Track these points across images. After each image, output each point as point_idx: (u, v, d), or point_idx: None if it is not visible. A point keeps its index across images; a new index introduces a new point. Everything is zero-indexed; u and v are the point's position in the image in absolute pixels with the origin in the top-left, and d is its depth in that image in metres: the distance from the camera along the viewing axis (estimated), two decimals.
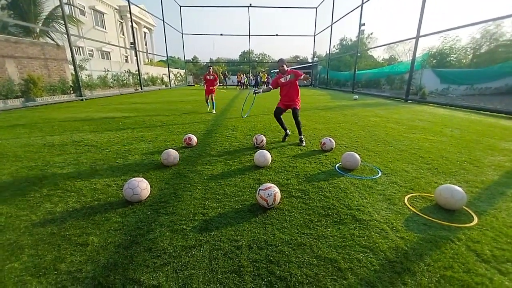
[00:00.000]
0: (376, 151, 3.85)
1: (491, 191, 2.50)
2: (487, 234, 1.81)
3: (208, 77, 7.92)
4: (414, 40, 11.39)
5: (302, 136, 4.27)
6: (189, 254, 1.59)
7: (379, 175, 2.90)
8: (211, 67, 8.02)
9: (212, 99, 7.95)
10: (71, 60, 11.48)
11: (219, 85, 11.43)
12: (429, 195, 2.40)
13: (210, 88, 7.90)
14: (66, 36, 11.06)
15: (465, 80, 15.13)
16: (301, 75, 4.06)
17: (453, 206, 2.11)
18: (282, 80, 4.21)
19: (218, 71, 41.10)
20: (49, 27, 13.38)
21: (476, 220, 1.98)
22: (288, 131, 4.53)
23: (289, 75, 4.15)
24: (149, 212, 2.09)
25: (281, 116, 4.31)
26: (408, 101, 11.92)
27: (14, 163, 3.29)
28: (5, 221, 1.97)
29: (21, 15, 12.66)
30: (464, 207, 2.15)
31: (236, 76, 28.98)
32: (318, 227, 1.89)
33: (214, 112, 7.91)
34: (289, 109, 4.29)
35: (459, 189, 2.13)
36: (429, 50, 19.04)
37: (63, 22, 11.29)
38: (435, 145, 4.14)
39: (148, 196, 2.34)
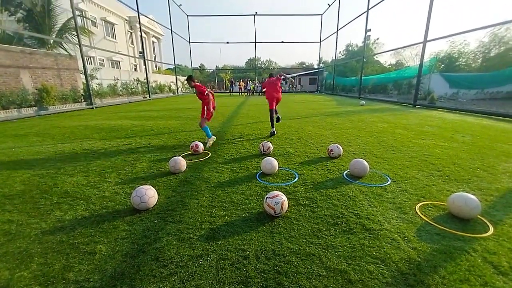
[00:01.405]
0: (385, 157, 3.78)
1: (507, 199, 2.41)
2: (504, 244, 1.74)
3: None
4: (421, 44, 11.30)
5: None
6: (196, 264, 1.57)
7: (389, 182, 2.84)
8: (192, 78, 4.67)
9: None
10: (82, 69, 11.84)
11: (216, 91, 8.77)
12: (441, 203, 2.33)
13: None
14: (78, 46, 11.44)
15: (475, 85, 14.84)
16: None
17: (467, 215, 2.03)
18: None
19: (224, 78, 41.61)
20: (62, 39, 13.88)
21: (492, 230, 1.90)
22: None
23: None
24: (156, 220, 2.09)
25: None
26: (417, 106, 11.75)
27: (26, 170, 3.37)
28: (16, 228, 2.00)
29: (36, 28, 13.18)
30: (478, 216, 2.07)
31: (238, 84, 28.87)
32: (326, 237, 1.85)
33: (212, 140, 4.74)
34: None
35: (473, 197, 2.06)
36: (437, 54, 18.83)
37: (75, 33, 11.69)
38: (446, 152, 4.04)
39: (156, 204, 2.35)
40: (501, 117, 7.98)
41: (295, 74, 41.60)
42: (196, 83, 4.62)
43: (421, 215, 2.13)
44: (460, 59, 18.87)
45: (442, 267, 1.53)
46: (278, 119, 6.03)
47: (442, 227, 1.94)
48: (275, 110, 5.75)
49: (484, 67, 17.62)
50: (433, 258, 1.61)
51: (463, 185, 2.75)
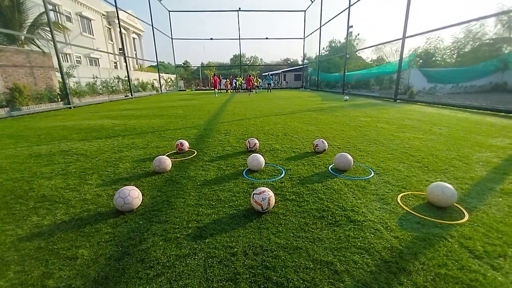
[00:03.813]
0: (368, 151, 3.89)
1: (480, 187, 2.56)
2: (478, 230, 1.84)
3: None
4: (400, 41, 11.66)
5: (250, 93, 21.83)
6: (184, 263, 1.55)
7: (372, 175, 2.93)
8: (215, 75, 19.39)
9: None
10: (58, 67, 11.26)
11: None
12: (421, 193, 2.43)
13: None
14: (52, 43, 10.84)
15: (451, 79, 15.58)
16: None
17: (445, 203, 2.13)
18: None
19: (209, 75, 41.19)
20: (34, 35, 13.12)
21: (467, 216, 2.01)
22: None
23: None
24: (141, 222, 2.04)
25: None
26: (397, 100, 12.16)
27: None
28: None
29: (4, 23, 12.38)
30: (455, 203, 2.18)
31: (224, 83, 27.27)
32: (313, 230, 1.88)
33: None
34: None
35: (450, 186, 2.16)
36: (415, 50, 19.54)
37: (48, 29, 11.08)
38: (424, 144, 4.22)
39: (140, 204, 2.29)
40: (474, 110, 8.43)
41: (280, 71, 41.76)
42: (215, 77, 21.68)
43: (402, 205, 2.21)
44: (436, 55, 19.68)
45: (422, 254, 1.60)
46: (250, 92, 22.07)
47: (422, 216, 2.03)
48: (250, 90, 23.22)
49: (459, 62, 18.49)
50: (413, 245, 1.68)
51: (441, 175, 2.89)
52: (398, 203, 2.25)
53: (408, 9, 10.88)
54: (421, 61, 19.82)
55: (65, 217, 2.14)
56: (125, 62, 18.18)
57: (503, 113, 7.44)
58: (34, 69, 11.10)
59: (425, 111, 8.30)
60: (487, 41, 17.58)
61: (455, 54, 19.33)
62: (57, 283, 1.42)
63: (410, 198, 2.35)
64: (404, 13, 11.07)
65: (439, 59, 19.79)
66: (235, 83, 27.92)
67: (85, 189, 2.70)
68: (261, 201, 2.07)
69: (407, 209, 2.14)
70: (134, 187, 2.29)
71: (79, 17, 23.33)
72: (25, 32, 13.06)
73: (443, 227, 1.88)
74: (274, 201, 2.19)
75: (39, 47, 13.04)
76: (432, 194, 2.19)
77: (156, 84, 26.58)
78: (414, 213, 2.08)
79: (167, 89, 29.74)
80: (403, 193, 2.43)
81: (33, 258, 1.63)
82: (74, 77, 14.35)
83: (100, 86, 17.02)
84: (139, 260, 1.59)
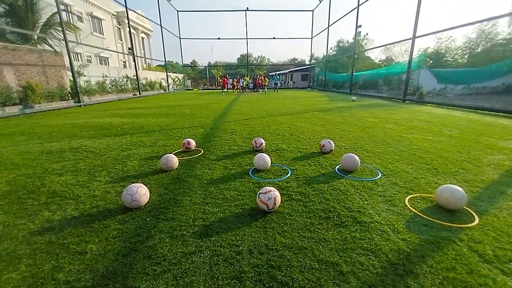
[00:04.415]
0: (376, 152, 3.85)
1: (491, 190, 2.50)
2: (488, 234, 1.80)
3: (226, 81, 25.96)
4: (410, 40, 11.47)
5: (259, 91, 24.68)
6: (189, 261, 1.57)
7: (379, 176, 2.90)
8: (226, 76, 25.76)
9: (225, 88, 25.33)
10: (69, 66, 11.50)
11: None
12: (429, 195, 2.39)
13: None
14: (64, 42, 11.08)
15: (462, 80, 15.23)
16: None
17: (454, 206, 2.09)
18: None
19: (216, 75, 41.44)
20: (46, 34, 13.43)
21: (477, 220, 1.97)
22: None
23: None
24: (148, 219, 2.07)
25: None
26: (406, 101, 11.96)
27: (12, 171, 3.27)
28: (2, 230, 1.95)
29: (19, 23, 12.72)
30: (464, 207, 2.14)
31: (231, 83, 26.52)
32: (319, 230, 1.87)
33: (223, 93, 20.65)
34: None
35: (459, 188, 2.12)
36: (425, 50, 19.19)
37: (60, 28, 11.33)
38: (434, 145, 4.14)
39: (147, 202, 2.33)
40: (486, 111, 8.22)
41: (287, 71, 41.66)
42: (224, 79, 26.51)
43: (410, 207, 2.18)
44: (447, 55, 19.29)
45: (430, 257, 1.57)
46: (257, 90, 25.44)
47: (430, 218, 2.00)
48: (256, 89, 25.51)
49: (471, 63, 18.07)
50: (421, 248, 1.66)
51: (450, 177, 2.83)
52: (405, 205, 2.22)
53: (419, 8, 10.69)
54: (431, 61, 19.47)
55: (75, 212, 2.19)
56: (134, 61, 18.43)
57: None
58: (46, 68, 11.37)
59: (434, 112, 8.15)
60: (500, 41, 17.13)
61: (467, 55, 18.90)
62: (67, 277, 1.46)
63: (418, 200, 2.31)
64: (414, 13, 10.88)
65: (450, 59, 19.40)
66: (242, 82, 27.91)
67: (94, 185, 2.76)
68: (267, 201, 2.07)
69: (415, 211, 2.11)
70: (142, 184, 2.33)
71: (90, 17, 23.78)
72: (38, 32, 13.39)
73: (452, 230, 1.85)
74: (280, 201, 2.19)
75: (51, 47, 13.36)
76: (441, 196, 2.15)
77: (164, 83, 26.86)
78: (422, 215, 2.05)
79: (175, 88, 30.02)
80: (411, 195, 2.40)
81: (44, 252, 1.68)
82: (84, 76, 14.66)
83: (110, 85, 17.32)
84: (146, 256, 1.61)
